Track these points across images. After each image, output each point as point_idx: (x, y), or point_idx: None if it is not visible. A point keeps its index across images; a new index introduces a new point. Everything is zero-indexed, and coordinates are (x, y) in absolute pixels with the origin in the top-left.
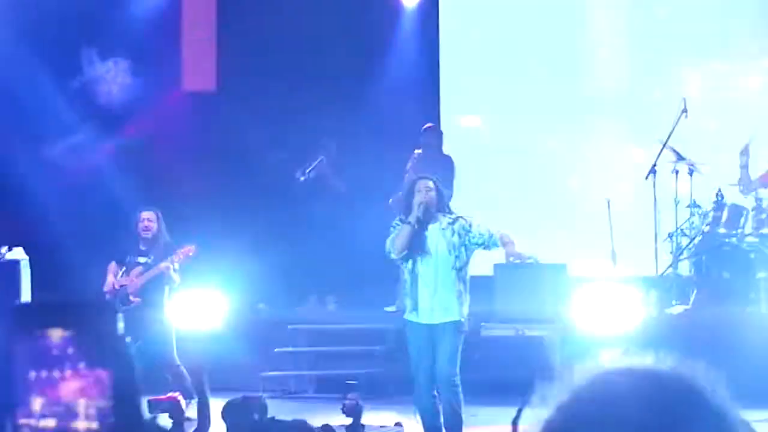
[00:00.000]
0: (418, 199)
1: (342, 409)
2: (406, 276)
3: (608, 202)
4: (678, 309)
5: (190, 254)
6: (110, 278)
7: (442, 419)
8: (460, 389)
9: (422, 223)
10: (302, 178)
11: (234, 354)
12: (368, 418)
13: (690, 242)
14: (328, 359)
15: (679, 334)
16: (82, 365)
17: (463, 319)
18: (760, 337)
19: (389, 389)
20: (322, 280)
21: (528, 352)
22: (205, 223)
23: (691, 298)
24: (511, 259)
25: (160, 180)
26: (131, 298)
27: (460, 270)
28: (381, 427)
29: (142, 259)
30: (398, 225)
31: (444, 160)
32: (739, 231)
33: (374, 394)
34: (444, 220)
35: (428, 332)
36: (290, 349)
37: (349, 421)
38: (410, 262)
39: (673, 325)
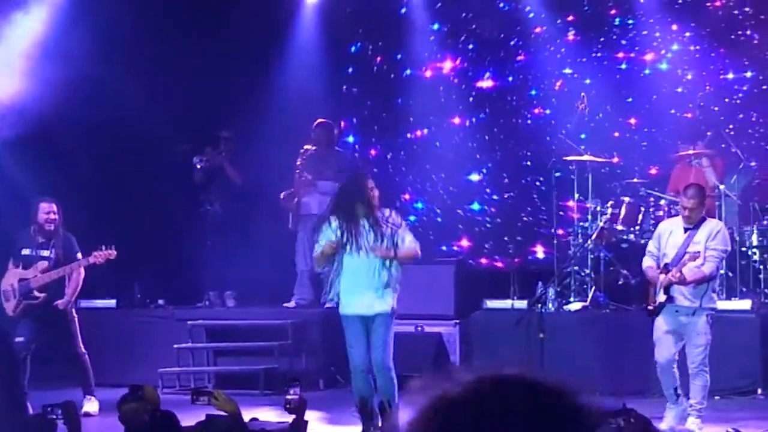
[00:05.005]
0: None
1: (285, 406)
2: (339, 270)
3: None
4: (576, 306)
5: (111, 258)
6: (8, 276)
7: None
8: (394, 373)
9: (357, 221)
10: (199, 166)
11: (133, 350)
12: (266, 414)
13: (588, 239)
14: (228, 355)
15: (576, 331)
16: None
17: (393, 309)
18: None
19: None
20: (221, 276)
21: (427, 349)
22: (103, 216)
23: (590, 295)
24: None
25: (55, 171)
26: (35, 293)
27: (392, 262)
28: (279, 422)
29: (44, 253)
30: (328, 228)
31: (336, 155)
32: (637, 228)
33: (273, 389)
34: (378, 214)
35: (363, 323)
36: (189, 345)
37: (291, 418)
38: (344, 256)
39: (571, 321)
